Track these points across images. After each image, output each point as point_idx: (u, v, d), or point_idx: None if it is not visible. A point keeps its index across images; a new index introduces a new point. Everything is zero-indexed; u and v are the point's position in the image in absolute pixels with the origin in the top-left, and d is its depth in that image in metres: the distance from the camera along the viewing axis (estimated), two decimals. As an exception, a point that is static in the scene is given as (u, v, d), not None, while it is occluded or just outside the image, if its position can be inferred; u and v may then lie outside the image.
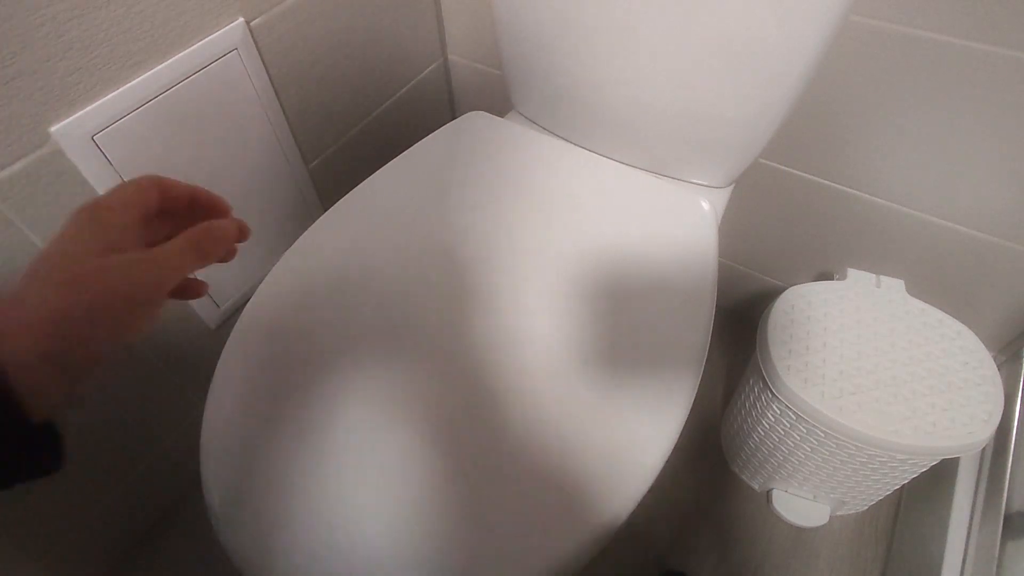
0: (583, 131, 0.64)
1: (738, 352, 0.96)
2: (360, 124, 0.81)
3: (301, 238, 0.58)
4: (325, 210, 0.80)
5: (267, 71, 0.63)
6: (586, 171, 0.60)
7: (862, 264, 0.74)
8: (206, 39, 0.56)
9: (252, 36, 0.60)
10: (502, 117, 0.73)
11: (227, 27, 0.57)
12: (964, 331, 0.62)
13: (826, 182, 0.70)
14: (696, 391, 0.44)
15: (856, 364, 0.60)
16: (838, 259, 0.76)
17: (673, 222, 0.54)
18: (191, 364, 0.72)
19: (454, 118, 1.01)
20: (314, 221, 0.79)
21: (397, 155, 0.91)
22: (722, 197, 0.60)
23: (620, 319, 0.47)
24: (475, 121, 0.65)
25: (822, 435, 0.60)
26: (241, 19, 0.58)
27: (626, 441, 0.40)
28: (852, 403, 0.58)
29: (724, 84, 0.51)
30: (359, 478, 0.39)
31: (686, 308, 0.48)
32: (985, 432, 0.56)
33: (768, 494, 0.77)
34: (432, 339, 0.47)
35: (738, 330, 0.96)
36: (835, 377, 0.60)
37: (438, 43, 0.88)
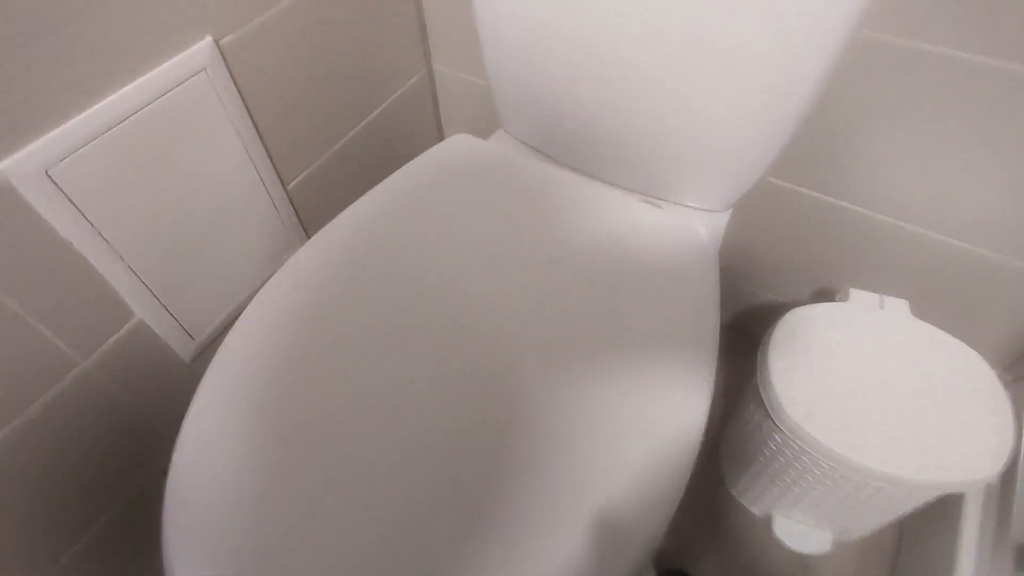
0: (574, 153, 0.61)
1: (736, 367, 0.93)
2: (341, 141, 0.77)
3: (281, 270, 0.54)
4: (306, 231, 0.77)
5: (239, 91, 0.60)
6: (578, 199, 0.57)
7: (865, 281, 0.72)
8: (171, 60, 0.52)
9: (222, 55, 0.56)
10: (491, 132, 0.70)
11: (194, 47, 0.54)
12: (972, 356, 0.60)
13: (826, 197, 0.67)
14: (701, 436, 0.42)
15: (861, 394, 0.58)
16: (840, 275, 0.74)
17: (671, 254, 0.51)
18: (164, 401, 0.68)
19: (440, 131, 0.99)
20: (294, 243, 0.76)
21: (381, 172, 0.87)
22: (721, 221, 0.57)
23: (616, 362, 0.44)
24: (459, 145, 0.62)
25: (826, 467, 0.57)
26: (209, 38, 0.55)
27: (631, 506, 0.37)
28: (857, 436, 0.55)
29: (724, 105, 0.48)
30: (349, 545, 0.36)
31: (687, 347, 0.45)
32: (994, 466, 0.53)
33: (769, 520, 0.75)
34: (421, 381, 0.44)
35: (736, 344, 0.93)
36: (839, 408, 0.57)
37: (421, 53, 0.85)
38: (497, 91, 0.62)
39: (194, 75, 0.54)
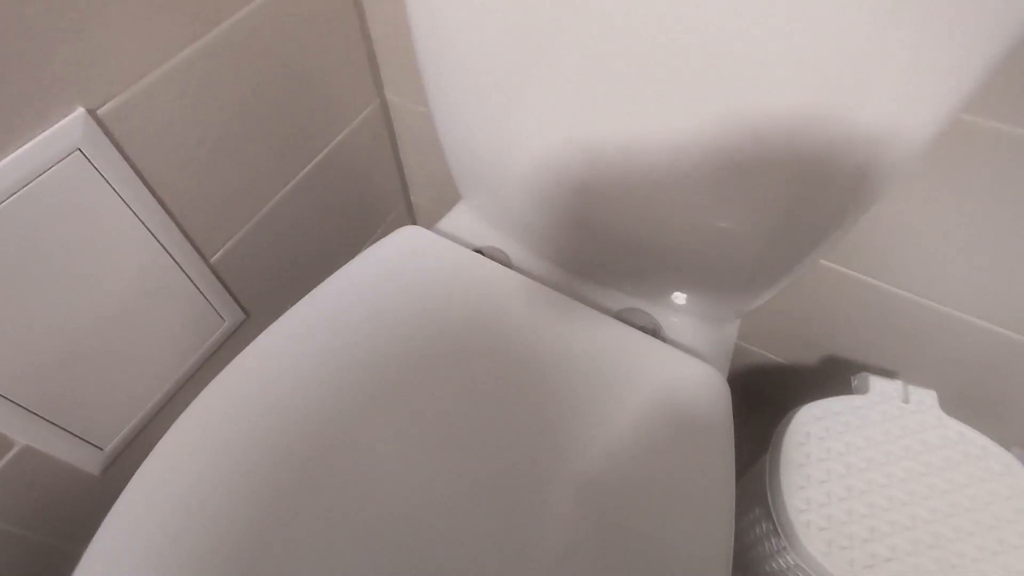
0: (548, 243, 0.50)
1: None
2: (276, 196, 0.65)
3: (215, 381, 0.43)
4: (239, 303, 0.66)
5: (131, 165, 0.48)
6: (549, 323, 0.46)
7: (885, 358, 0.63)
8: (27, 145, 0.41)
9: (101, 127, 0.45)
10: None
11: (60, 123, 0.42)
12: (1013, 464, 0.52)
13: (846, 270, 0.58)
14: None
15: (889, 517, 0.49)
16: (855, 351, 0.65)
17: (672, 403, 0.42)
18: (74, 521, 0.58)
19: (400, 168, 0.87)
20: (225, 322, 0.65)
21: (334, 221, 0.76)
22: (732, 329, 0.48)
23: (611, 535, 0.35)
24: (408, 239, 0.51)
25: (848, 603, 0.49)
26: (80, 109, 0.43)
27: None
28: (887, 573, 0.47)
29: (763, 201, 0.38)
30: None
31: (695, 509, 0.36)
32: (1048, 610, 0.45)
33: (773, 617, 0.67)
34: (369, 520, 0.34)
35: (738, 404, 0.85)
36: (865, 537, 0.49)
37: (371, 83, 0.73)
38: (449, 151, 0.51)
39: (66, 156, 0.43)
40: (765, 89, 0.32)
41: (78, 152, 0.44)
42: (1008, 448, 0.57)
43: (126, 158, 0.47)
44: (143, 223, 0.51)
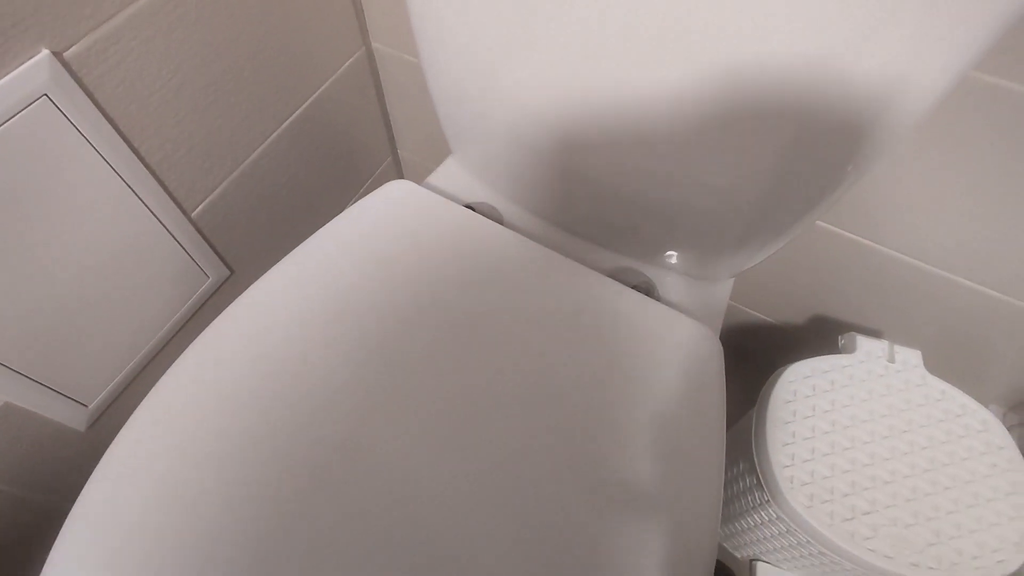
0: (541, 199, 0.49)
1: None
2: (258, 148, 0.63)
3: (201, 338, 0.42)
4: (223, 259, 0.65)
5: (103, 112, 0.46)
6: (540, 279, 0.46)
7: (870, 318, 0.63)
8: (-10, 89, 0.38)
9: (69, 71, 0.42)
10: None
11: (24, 66, 0.39)
12: (991, 421, 0.53)
13: (838, 230, 0.57)
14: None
15: (870, 472, 0.51)
16: (843, 311, 0.66)
17: (668, 367, 0.41)
18: (60, 477, 0.57)
19: (389, 126, 0.84)
20: (209, 279, 0.64)
21: (318, 174, 0.74)
22: (726, 289, 0.47)
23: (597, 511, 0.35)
24: (397, 195, 0.50)
25: (827, 554, 0.51)
26: (45, 51, 0.40)
27: None
28: (866, 526, 0.49)
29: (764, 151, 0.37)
30: None
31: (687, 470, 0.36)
32: (1017, 558, 0.47)
33: (751, 564, 0.70)
34: (362, 477, 0.34)
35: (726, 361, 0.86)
36: (846, 491, 0.50)
37: (356, 31, 0.69)
38: (439, 104, 0.49)
39: (31, 103, 0.40)
40: (762, 36, 0.30)
41: (45, 98, 0.41)
42: (986, 405, 0.59)
43: (97, 105, 0.45)
44: (118, 174, 0.48)
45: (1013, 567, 0.47)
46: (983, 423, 0.53)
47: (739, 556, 0.73)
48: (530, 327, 0.43)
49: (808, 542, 0.52)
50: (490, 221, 0.50)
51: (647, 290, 0.50)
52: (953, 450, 0.52)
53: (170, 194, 0.55)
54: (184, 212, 0.57)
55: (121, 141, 0.48)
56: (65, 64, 0.42)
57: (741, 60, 0.32)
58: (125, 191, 0.50)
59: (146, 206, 0.52)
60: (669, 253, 0.49)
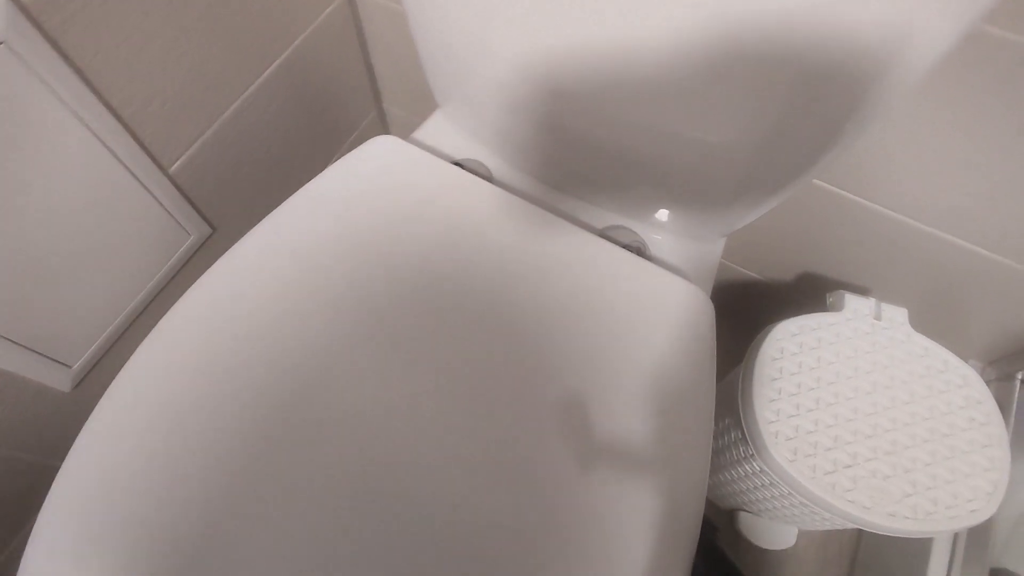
0: (531, 156, 0.48)
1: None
2: (237, 101, 0.60)
3: (184, 298, 0.42)
4: (202, 215, 0.63)
5: (69, 62, 0.43)
6: (531, 239, 0.45)
7: (860, 275, 0.64)
8: (-58, 35, 0.36)
9: (28, 17, 0.39)
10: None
11: (-22, 10, 0.37)
12: (971, 376, 0.54)
13: (830, 187, 0.57)
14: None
15: (853, 427, 0.52)
16: (831, 269, 0.66)
17: (656, 321, 0.41)
18: (46, 439, 0.57)
19: (374, 78, 0.81)
20: (191, 236, 0.62)
21: (297, 128, 0.72)
22: (717, 248, 0.47)
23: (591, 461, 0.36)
24: (382, 150, 0.48)
25: (808, 504, 0.53)
26: (1, -7, 0.38)
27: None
28: (846, 478, 0.50)
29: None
30: None
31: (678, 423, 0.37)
32: (989, 508, 0.49)
33: (733, 514, 0.72)
34: (347, 436, 0.34)
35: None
36: (829, 445, 0.51)
37: (337, -26, 0.66)
38: (428, 63, 0.47)
39: (-11, 51, 0.38)
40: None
41: (3, 46, 0.39)
42: (966, 360, 0.60)
43: (62, 54, 0.42)
44: (88, 127, 0.46)
45: (985, 516, 0.49)
46: (963, 378, 0.54)
47: (721, 507, 0.75)
48: (519, 287, 0.42)
49: (790, 494, 0.54)
50: (479, 179, 0.48)
51: (638, 249, 0.49)
52: (934, 404, 0.53)
53: (145, 148, 0.52)
54: (161, 168, 0.55)
55: (89, 92, 0.45)
56: (23, 8, 0.39)
57: (737, 7, 0.30)
58: (96, 145, 0.48)
59: (120, 161, 0.50)
60: (661, 212, 0.48)
